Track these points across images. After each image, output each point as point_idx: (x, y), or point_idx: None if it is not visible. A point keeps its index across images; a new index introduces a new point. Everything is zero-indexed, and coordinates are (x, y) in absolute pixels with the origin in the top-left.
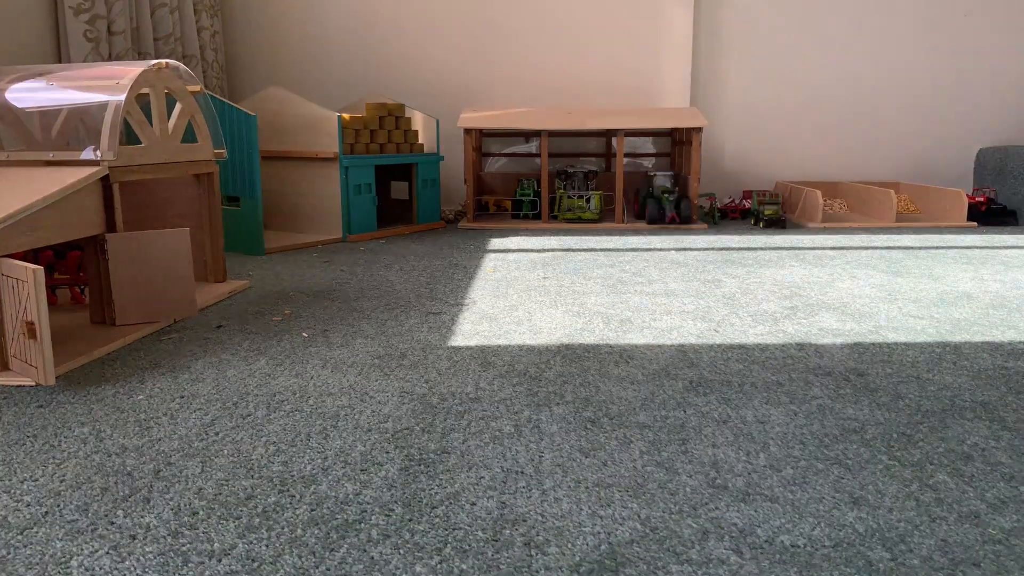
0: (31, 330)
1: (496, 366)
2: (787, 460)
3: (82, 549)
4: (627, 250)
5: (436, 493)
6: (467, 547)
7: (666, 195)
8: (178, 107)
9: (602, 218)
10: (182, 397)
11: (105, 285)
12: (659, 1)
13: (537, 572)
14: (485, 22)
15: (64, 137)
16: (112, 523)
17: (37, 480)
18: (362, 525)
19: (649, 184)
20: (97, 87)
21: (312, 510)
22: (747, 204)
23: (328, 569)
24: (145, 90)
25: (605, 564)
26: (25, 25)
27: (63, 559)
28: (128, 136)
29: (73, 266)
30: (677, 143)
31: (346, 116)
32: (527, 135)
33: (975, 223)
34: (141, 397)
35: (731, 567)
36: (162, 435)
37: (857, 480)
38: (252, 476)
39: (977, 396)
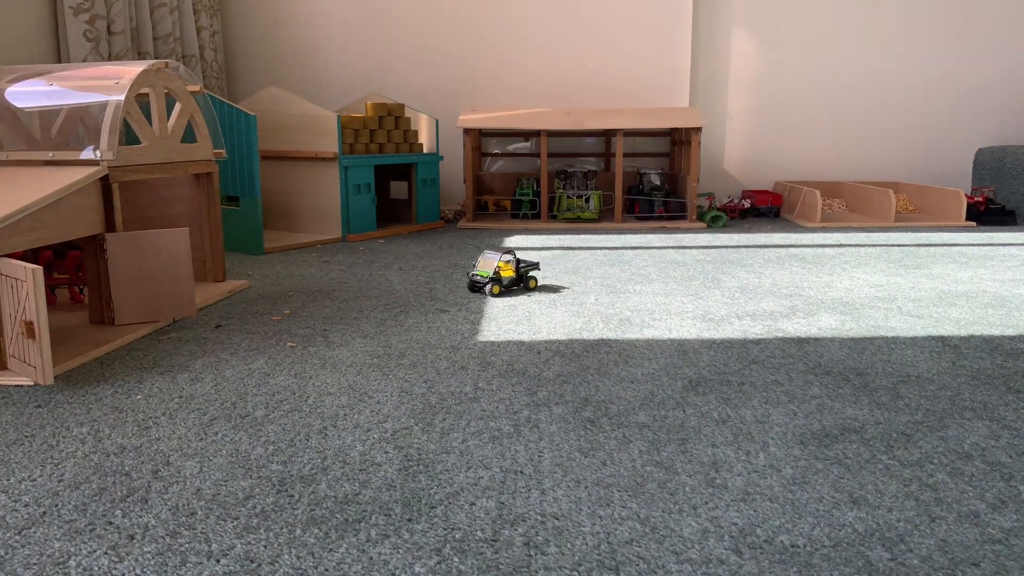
0: (30, 330)
1: (495, 365)
2: (787, 460)
3: (80, 549)
4: (626, 249)
5: (435, 493)
6: (466, 547)
7: (655, 192)
8: (177, 107)
9: (601, 218)
10: (181, 397)
11: (104, 285)
12: (658, 1)
13: (536, 572)
14: (485, 22)
15: (64, 137)
16: (110, 523)
17: (35, 480)
18: (361, 525)
19: (640, 182)
20: (96, 87)
21: (311, 510)
22: (746, 204)
23: (327, 569)
24: (145, 90)
25: (605, 564)
26: (25, 25)
27: (61, 559)
28: (128, 136)
29: (72, 266)
30: (676, 143)
31: (345, 116)
32: (526, 135)
33: (974, 223)
34: (140, 397)
35: (730, 567)
36: (160, 435)
37: (857, 480)
38: (251, 476)
39: (977, 395)
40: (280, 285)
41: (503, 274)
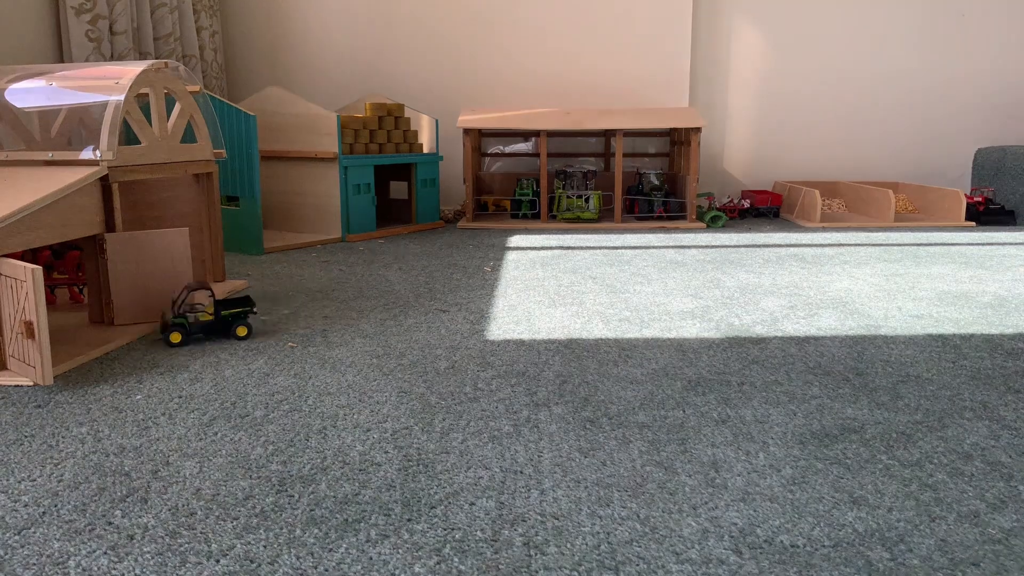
0: (29, 330)
1: (495, 366)
2: (786, 460)
3: (80, 549)
4: (626, 249)
5: (435, 493)
6: (466, 547)
7: (655, 192)
8: (177, 107)
9: (601, 218)
10: (180, 397)
11: (104, 285)
12: (658, 1)
13: (536, 572)
14: (485, 22)
15: (63, 137)
16: (110, 523)
17: (35, 480)
18: (361, 525)
19: (639, 182)
20: (96, 87)
21: (311, 510)
22: (745, 204)
23: (327, 570)
24: (144, 90)
25: (604, 564)
26: (27, 26)
27: (61, 559)
28: (127, 136)
29: (72, 266)
30: (676, 143)
31: (345, 116)
32: (526, 135)
33: (973, 223)
34: (139, 397)
35: (730, 567)
36: (160, 435)
37: (856, 480)
38: (250, 476)
39: (977, 395)
40: (280, 285)
41: (200, 317)
